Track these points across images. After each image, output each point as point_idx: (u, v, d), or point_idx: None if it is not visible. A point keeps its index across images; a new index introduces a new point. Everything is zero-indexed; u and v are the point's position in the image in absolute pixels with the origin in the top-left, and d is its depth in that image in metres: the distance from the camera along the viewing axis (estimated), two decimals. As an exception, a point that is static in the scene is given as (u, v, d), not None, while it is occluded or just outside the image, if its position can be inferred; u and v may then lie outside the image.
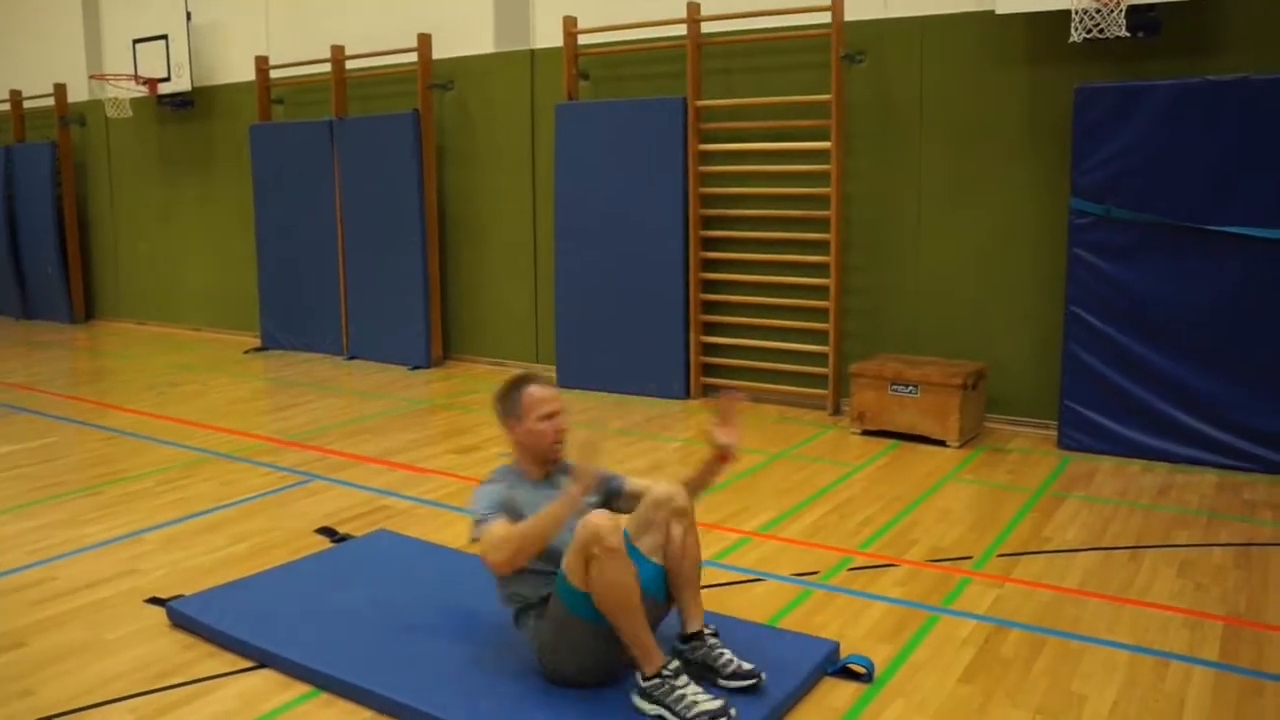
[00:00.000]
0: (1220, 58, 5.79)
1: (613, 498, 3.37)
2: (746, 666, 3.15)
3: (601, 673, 3.16)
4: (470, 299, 9.08)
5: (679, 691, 2.96)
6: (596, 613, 3.00)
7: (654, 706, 3.00)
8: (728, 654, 3.18)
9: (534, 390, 3.29)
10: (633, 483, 3.39)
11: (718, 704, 2.93)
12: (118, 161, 11.80)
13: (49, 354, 10.24)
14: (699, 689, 3.00)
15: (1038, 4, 5.98)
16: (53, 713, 3.15)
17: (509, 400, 3.31)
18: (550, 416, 3.27)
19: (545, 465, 3.32)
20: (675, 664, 3.02)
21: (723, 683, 3.12)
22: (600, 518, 2.98)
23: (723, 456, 3.33)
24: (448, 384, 8.34)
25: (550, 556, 3.09)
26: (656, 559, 3.17)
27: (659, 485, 3.28)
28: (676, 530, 3.19)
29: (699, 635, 3.22)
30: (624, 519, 3.18)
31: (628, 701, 3.05)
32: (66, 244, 11.91)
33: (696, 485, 3.38)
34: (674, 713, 2.95)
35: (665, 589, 3.20)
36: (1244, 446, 5.61)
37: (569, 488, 3.03)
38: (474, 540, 3.13)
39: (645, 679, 3.00)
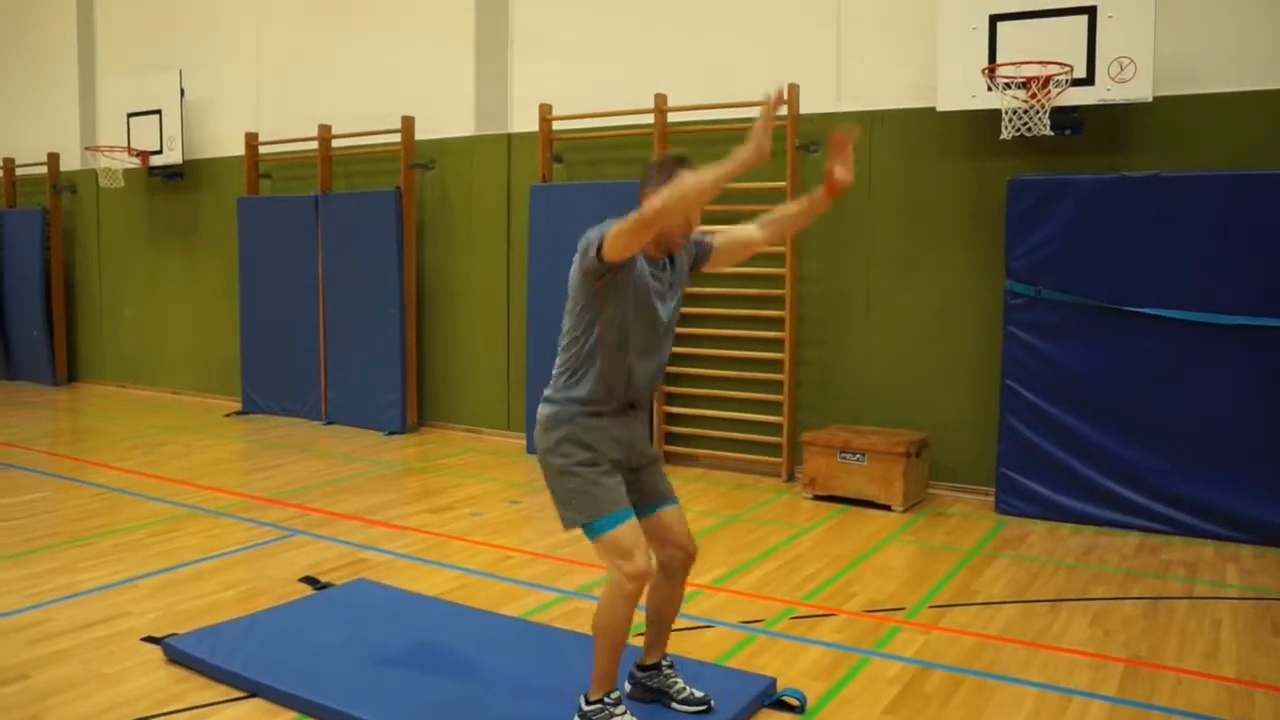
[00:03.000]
0: (1136, 155, 6.36)
1: (700, 260, 3.46)
2: (699, 694, 3.51)
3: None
4: (445, 369, 9.47)
5: (616, 718, 3.29)
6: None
7: None
8: (681, 682, 3.55)
9: (689, 176, 3.12)
10: (720, 239, 3.45)
11: None
12: (107, 229, 12.21)
13: (34, 414, 10.53)
14: (633, 718, 3.31)
15: (973, 103, 6.54)
16: (60, 734, 3.47)
17: (664, 176, 3.18)
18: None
19: (662, 249, 3.28)
20: (617, 694, 3.33)
21: (676, 707, 3.49)
22: (644, 556, 3.17)
23: (831, 187, 3.34)
24: (422, 449, 8.69)
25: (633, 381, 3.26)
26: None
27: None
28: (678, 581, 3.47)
29: (657, 666, 3.58)
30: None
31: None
32: (52, 308, 12.24)
33: (799, 217, 3.50)
34: None
35: None
36: (1162, 510, 6.06)
37: (754, 144, 2.91)
38: (600, 242, 3.21)
39: (588, 703, 3.32)
